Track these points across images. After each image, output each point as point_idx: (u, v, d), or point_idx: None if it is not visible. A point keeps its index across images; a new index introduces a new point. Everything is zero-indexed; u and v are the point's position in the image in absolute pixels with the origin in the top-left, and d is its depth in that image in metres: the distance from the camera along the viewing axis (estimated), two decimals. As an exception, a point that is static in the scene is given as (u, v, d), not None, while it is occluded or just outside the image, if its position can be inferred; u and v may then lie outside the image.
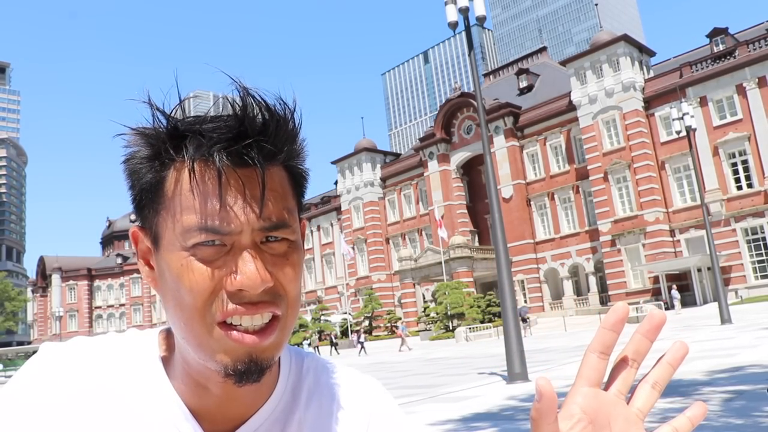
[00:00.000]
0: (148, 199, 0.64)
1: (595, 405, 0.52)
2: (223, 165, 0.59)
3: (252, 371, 0.61)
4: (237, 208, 0.59)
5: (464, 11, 11.39)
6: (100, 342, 0.71)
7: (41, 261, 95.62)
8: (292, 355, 0.77)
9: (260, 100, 0.61)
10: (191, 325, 0.60)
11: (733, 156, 40.78)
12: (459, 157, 55.24)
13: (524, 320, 34.50)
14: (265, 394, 0.70)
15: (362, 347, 36.93)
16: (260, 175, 0.60)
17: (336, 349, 41.01)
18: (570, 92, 47.14)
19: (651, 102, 43.97)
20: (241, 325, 0.60)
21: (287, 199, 0.65)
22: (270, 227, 0.61)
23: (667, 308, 37.88)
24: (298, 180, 0.68)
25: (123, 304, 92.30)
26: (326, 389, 0.76)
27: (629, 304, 39.60)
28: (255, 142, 0.60)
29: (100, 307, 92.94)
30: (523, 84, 56.97)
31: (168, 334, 0.72)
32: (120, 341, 0.71)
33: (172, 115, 0.61)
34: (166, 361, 0.70)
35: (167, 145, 0.61)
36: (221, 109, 0.63)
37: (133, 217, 0.68)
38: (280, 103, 0.63)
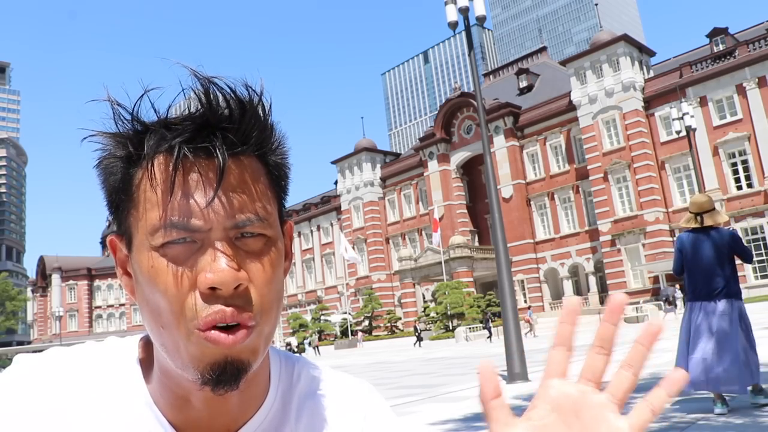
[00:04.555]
0: (120, 199, 0.61)
1: (558, 395, 0.51)
2: (186, 157, 0.56)
3: (227, 375, 0.56)
4: (204, 202, 0.56)
5: (464, 11, 11.38)
6: (76, 352, 0.66)
7: (41, 261, 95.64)
8: (281, 361, 0.73)
9: (223, 86, 0.58)
10: (169, 330, 0.56)
11: (733, 156, 40.81)
12: (459, 157, 55.27)
13: (670, 302, 33.53)
14: (254, 406, 0.66)
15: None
16: (219, 165, 0.56)
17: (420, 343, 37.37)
18: (570, 92, 47.18)
19: (651, 102, 44.00)
20: (219, 325, 0.56)
21: (263, 191, 0.60)
22: (242, 222, 0.57)
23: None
24: (276, 172, 0.64)
25: (123, 304, 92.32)
26: (318, 396, 0.72)
27: (629, 304, 39.74)
28: (220, 132, 0.57)
29: (100, 307, 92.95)
30: (523, 84, 57.01)
31: (148, 343, 0.67)
32: (97, 351, 0.67)
33: (139, 110, 0.59)
34: (146, 370, 0.65)
35: (133, 140, 0.59)
36: (186, 100, 0.60)
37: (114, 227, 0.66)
38: (246, 89, 0.59)
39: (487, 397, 0.52)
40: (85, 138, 0.60)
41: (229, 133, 0.58)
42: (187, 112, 0.58)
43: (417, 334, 38.64)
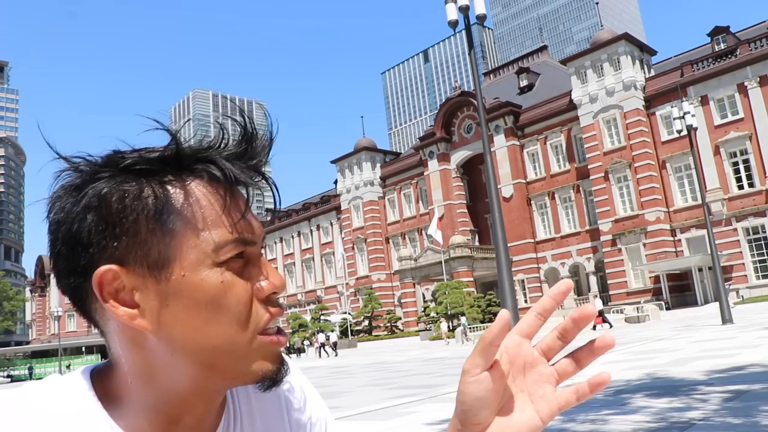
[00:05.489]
0: (141, 227, 0.59)
1: (517, 350, 0.59)
2: (237, 181, 0.63)
3: (285, 370, 0.64)
4: (254, 220, 0.65)
5: (464, 10, 11.33)
6: (18, 397, 0.59)
7: (40, 260, 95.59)
8: None
9: (253, 125, 0.66)
10: (233, 340, 0.60)
11: (735, 155, 40.77)
12: (459, 156, 55.22)
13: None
14: (222, 409, 0.70)
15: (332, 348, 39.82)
16: (251, 191, 0.66)
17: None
18: (570, 91, 47.14)
19: (652, 101, 43.96)
20: (271, 328, 0.63)
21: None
22: (264, 235, 0.68)
23: (668, 308, 37.87)
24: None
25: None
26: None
27: (630, 304, 39.74)
28: (257, 161, 0.66)
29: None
30: (524, 83, 56.97)
31: (101, 376, 0.65)
32: (43, 392, 0.61)
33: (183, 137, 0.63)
34: (108, 404, 0.62)
35: (178, 166, 0.62)
36: (219, 128, 0.68)
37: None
38: (269, 122, 0.68)
39: (492, 341, 0.57)
40: (122, 164, 0.61)
41: (260, 160, 0.66)
42: (219, 138, 0.65)
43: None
